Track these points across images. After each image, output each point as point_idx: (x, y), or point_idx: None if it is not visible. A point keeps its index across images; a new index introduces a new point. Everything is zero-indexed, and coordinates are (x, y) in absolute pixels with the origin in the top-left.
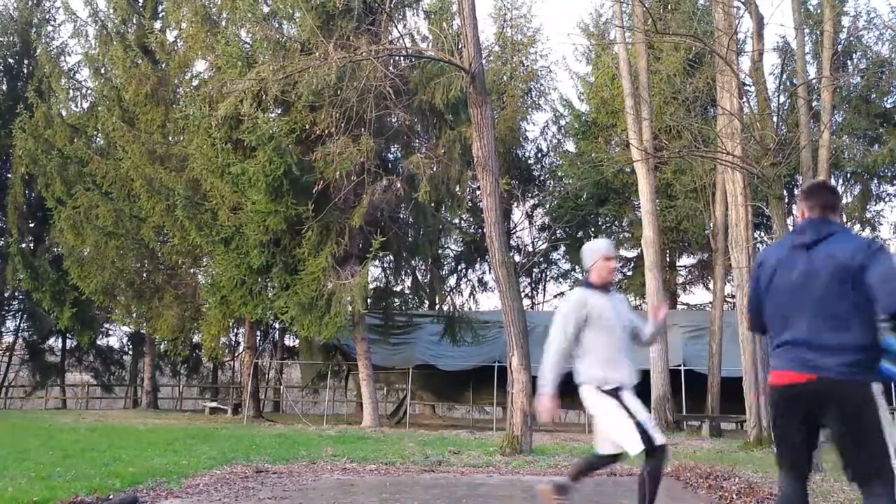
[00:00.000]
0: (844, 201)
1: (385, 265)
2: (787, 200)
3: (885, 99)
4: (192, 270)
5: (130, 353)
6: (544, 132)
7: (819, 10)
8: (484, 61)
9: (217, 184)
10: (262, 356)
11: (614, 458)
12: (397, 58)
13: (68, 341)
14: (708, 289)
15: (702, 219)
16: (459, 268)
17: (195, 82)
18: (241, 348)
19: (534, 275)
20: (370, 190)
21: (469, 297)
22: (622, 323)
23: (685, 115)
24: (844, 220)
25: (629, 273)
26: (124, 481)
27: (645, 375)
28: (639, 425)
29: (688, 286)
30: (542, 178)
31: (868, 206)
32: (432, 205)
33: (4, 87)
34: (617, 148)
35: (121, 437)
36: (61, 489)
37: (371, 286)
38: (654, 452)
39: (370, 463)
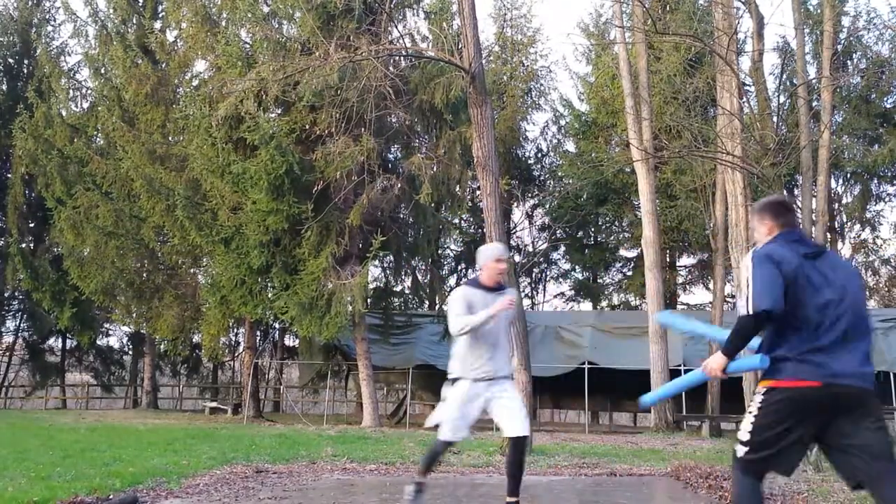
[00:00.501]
0: (845, 201)
1: (385, 265)
2: None
3: (885, 99)
4: (192, 270)
5: (130, 353)
6: (544, 132)
7: (819, 10)
8: (484, 61)
9: (217, 184)
10: (262, 356)
11: (448, 444)
12: (397, 58)
13: (68, 341)
14: (708, 289)
15: (702, 219)
16: (459, 268)
17: (195, 82)
18: (241, 348)
19: (534, 275)
20: (370, 190)
21: None
22: (507, 319)
23: (685, 115)
24: (845, 219)
25: (629, 273)
26: (124, 481)
27: (645, 375)
28: (465, 418)
29: (688, 286)
30: (542, 178)
31: (868, 206)
32: (432, 205)
33: (4, 87)
34: (617, 148)
35: (121, 437)
36: (61, 489)
37: (371, 286)
38: (514, 442)
39: (370, 463)
